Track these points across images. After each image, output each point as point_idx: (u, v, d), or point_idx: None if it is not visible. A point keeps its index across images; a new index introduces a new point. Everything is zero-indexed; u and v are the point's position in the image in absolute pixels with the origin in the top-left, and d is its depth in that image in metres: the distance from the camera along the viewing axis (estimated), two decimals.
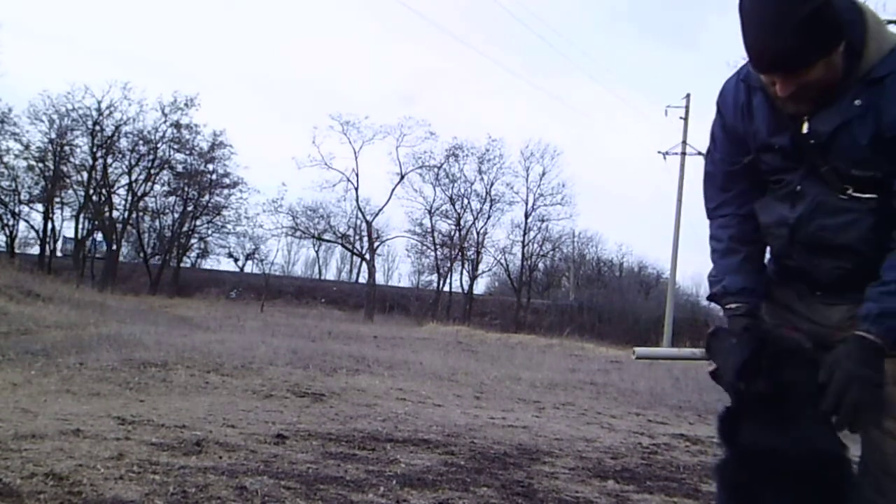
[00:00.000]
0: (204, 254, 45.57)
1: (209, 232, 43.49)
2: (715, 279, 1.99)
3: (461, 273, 43.30)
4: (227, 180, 41.62)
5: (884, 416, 1.76)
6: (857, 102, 1.70)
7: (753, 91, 1.87)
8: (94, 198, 39.44)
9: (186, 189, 41.96)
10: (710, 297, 2.03)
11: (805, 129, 1.77)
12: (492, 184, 41.24)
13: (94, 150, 38.44)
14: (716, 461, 1.87)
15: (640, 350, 2.09)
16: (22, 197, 39.12)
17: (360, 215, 40.23)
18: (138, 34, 66.73)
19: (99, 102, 37.59)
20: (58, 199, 39.67)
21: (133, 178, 39.89)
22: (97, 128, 38.08)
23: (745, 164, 1.95)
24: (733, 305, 1.92)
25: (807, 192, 1.83)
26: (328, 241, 43.38)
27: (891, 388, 1.75)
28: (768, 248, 2.02)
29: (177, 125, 39.35)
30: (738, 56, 11.89)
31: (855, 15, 1.71)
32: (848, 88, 1.71)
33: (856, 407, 1.62)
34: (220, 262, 47.06)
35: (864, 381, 1.62)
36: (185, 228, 42.81)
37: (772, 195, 1.93)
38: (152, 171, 40.21)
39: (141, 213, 41.77)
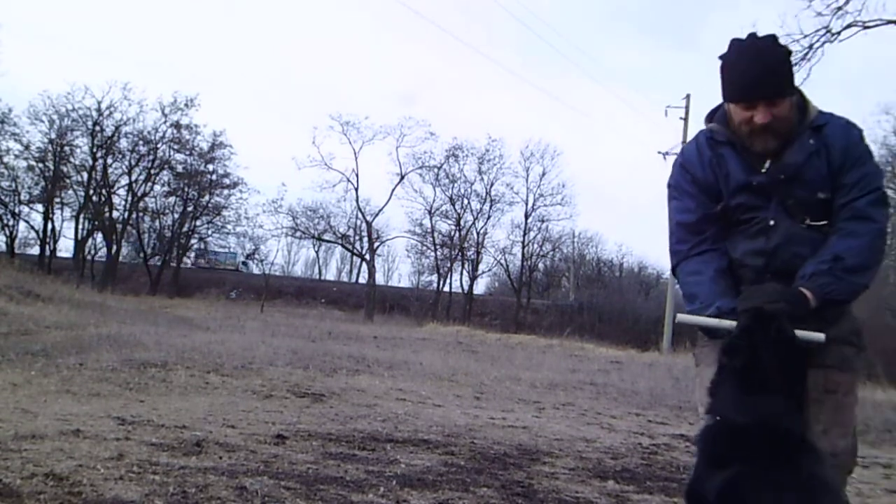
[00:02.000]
0: (204, 254, 45.58)
1: (209, 232, 43.54)
2: (706, 303, 2.21)
3: (461, 273, 43.32)
4: (227, 180, 41.60)
5: (829, 420, 2.13)
6: (811, 142, 2.21)
7: (720, 145, 2.30)
8: (94, 198, 39.38)
9: (186, 189, 41.91)
10: (707, 315, 2.23)
11: (768, 166, 2.22)
12: (492, 184, 41.22)
13: (94, 150, 38.38)
14: (699, 428, 2.09)
15: (681, 316, 2.27)
16: (22, 197, 39.07)
17: (360, 215, 40.22)
18: (138, 34, 66.76)
19: (99, 103, 37.56)
20: (58, 200, 39.61)
21: (133, 178, 39.86)
22: (97, 128, 38.02)
23: (717, 210, 2.30)
24: (725, 323, 2.14)
25: (779, 225, 2.21)
26: (328, 241, 43.36)
27: (841, 398, 2.17)
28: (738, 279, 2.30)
29: (177, 125, 39.30)
30: None
31: (799, 89, 2.29)
32: (801, 133, 2.23)
33: (773, 308, 2.00)
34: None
35: (788, 298, 2.05)
36: (185, 229, 42.80)
37: (743, 233, 2.28)
38: (152, 172, 40.17)
39: (141, 214, 41.73)
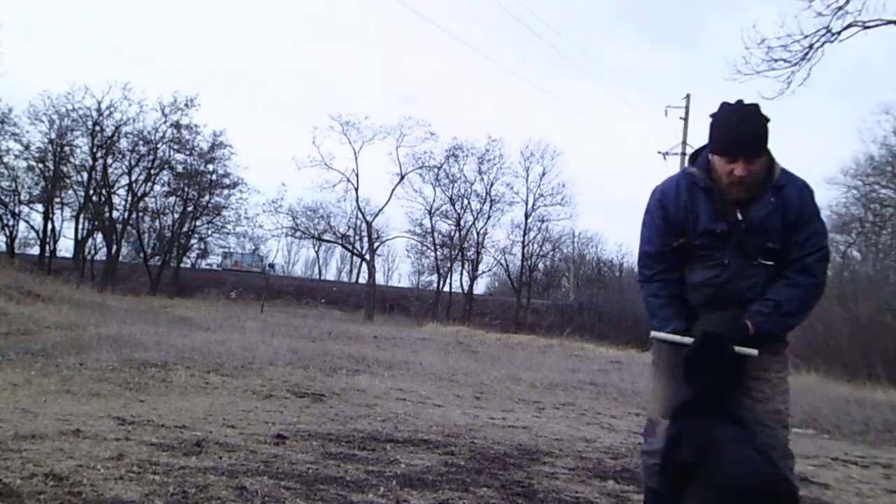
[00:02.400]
0: (204, 254, 45.61)
1: (209, 232, 43.53)
2: (665, 321, 2.88)
3: (461, 273, 43.32)
4: (227, 180, 41.62)
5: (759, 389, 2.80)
6: (772, 200, 2.71)
7: (697, 191, 2.79)
8: (94, 198, 39.39)
9: (186, 189, 41.92)
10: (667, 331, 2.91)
11: (740, 217, 2.72)
12: (492, 184, 41.23)
13: (94, 150, 38.39)
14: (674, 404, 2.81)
15: (654, 333, 2.94)
16: (22, 197, 39.09)
17: (360, 215, 40.23)
18: (139, 34, 66.80)
19: (99, 103, 37.58)
20: (58, 200, 39.62)
21: (133, 178, 39.87)
22: (97, 128, 38.03)
23: (676, 246, 2.84)
24: (686, 339, 2.81)
25: (732, 264, 2.76)
26: (328, 241, 43.35)
27: (774, 374, 2.83)
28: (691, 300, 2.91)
29: (177, 125, 39.31)
30: (737, 56, 11.90)
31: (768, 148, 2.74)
32: (766, 192, 2.72)
33: (722, 332, 2.67)
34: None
35: (734, 325, 2.71)
36: (185, 228, 42.79)
37: (701, 264, 2.82)
38: (152, 172, 40.17)
39: (141, 214, 41.74)
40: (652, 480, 2.97)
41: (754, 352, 2.70)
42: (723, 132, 2.68)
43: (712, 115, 2.74)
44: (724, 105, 2.72)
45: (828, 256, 2.81)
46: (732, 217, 2.72)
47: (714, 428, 2.54)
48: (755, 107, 2.69)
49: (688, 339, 2.77)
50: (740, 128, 2.64)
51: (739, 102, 2.71)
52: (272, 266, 49.98)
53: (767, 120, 2.69)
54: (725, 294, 2.77)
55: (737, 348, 2.68)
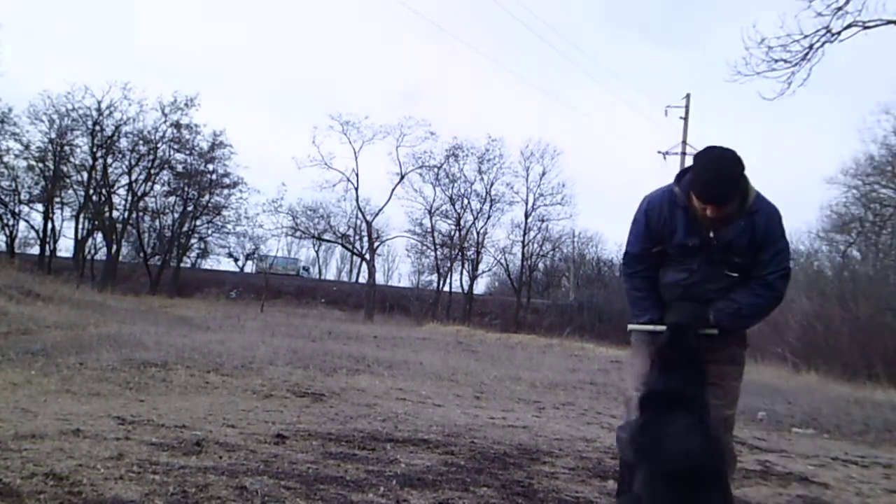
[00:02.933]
0: (204, 254, 45.61)
1: (209, 232, 43.52)
2: (642, 312, 3.33)
3: (461, 273, 43.31)
4: (227, 180, 41.63)
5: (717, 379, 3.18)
6: (742, 223, 3.10)
7: (676, 208, 3.18)
8: (94, 198, 39.39)
9: (186, 189, 41.92)
10: (639, 323, 3.35)
11: (712, 235, 3.12)
12: (492, 184, 41.22)
13: (94, 150, 38.39)
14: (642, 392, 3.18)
15: (631, 325, 3.41)
16: (22, 197, 39.10)
17: (360, 215, 40.22)
18: (139, 34, 66.75)
19: (99, 102, 37.58)
20: (58, 199, 39.63)
21: (133, 178, 39.87)
22: (97, 128, 38.03)
23: (653, 252, 3.30)
24: (659, 327, 3.24)
25: (699, 270, 3.20)
26: (328, 241, 43.37)
27: (730, 383, 3.25)
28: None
29: (177, 125, 39.30)
30: (738, 56, 11.91)
31: (745, 178, 3.09)
32: (739, 216, 3.10)
33: (688, 322, 3.11)
34: (220, 263, 47.17)
35: (697, 315, 3.15)
36: (185, 228, 42.79)
37: (674, 268, 3.26)
38: (152, 171, 40.17)
39: (141, 213, 41.73)
40: (625, 454, 3.35)
41: (715, 331, 3.14)
42: (699, 180, 3.05)
43: (695, 156, 3.12)
44: (707, 151, 3.08)
45: (789, 275, 3.23)
46: (705, 234, 3.13)
47: (673, 418, 2.89)
48: (731, 159, 3.03)
49: (660, 328, 3.19)
50: (714, 184, 3.01)
51: (719, 152, 3.06)
52: (307, 269, 50.08)
53: (742, 168, 3.04)
54: (692, 294, 3.21)
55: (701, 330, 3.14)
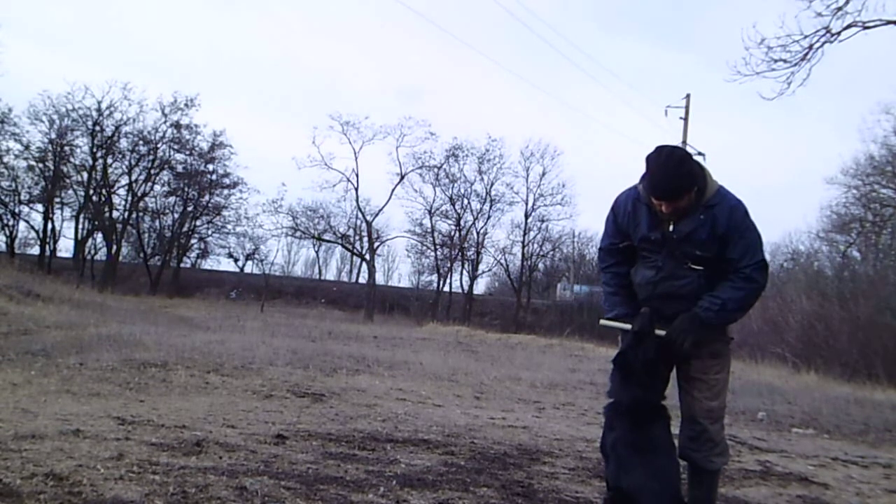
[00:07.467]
0: (204, 254, 45.58)
1: (209, 232, 43.49)
2: (612, 307, 3.50)
3: (461, 273, 43.32)
4: (227, 180, 41.58)
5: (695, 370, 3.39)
6: (701, 217, 3.23)
7: (639, 204, 3.35)
8: (94, 198, 39.35)
9: (186, 189, 41.88)
10: (610, 318, 3.49)
11: (672, 228, 3.26)
12: (492, 184, 41.22)
13: (94, 150, 38.35)
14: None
15: (602, 321, 3.55)
16: (22, 197, 38.98)
17: (360, 215, 40.20)
18: (139, 34, 66.73)
19: (99, 102, 37.54)
20: (58, 200, 39.56)
21: (133, 178, 39.84)
22: (97, 128, 37.99)
23: (622, 247, 3.47)
24: (625, 326, 3.39)
25: (665, 266, 3.32)
26: (328, 241, 43.32)
27: (713, 376, 3.38)
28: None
29: (177, 125, 39.28)
30: (737, 57, 11.90)
31: (702, 172, 3.26)
32: (697, 209, 3.23)
33: (684, 345, 3.23)
34: (220, 263, 47.14)
35: (690, 332, 3.23)
36: (185, 228, 42.77)
37: (642, 265, 3.40)
38: (152, 172, 40.14)
39: (141, 214, 41.70)
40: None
41: (662, 332, 3.27)
42: (650, 178, 3.21)
43: (647, 157, 3.22)
44: (656, 151, 3.21)
45: (766, 265, 3.32)
46: (665, 228, 3.28)
47: (640, 461, 3.11)
48: (677, 157, 3.19)
49: (626, 326, 3.34)
50: (662, 181, 3.17)
51: (667, 150, 3.21)
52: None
53: (691, 165, 3.18)
54: (661, 292, 3.32)
55: (657, 331, 3.24)
